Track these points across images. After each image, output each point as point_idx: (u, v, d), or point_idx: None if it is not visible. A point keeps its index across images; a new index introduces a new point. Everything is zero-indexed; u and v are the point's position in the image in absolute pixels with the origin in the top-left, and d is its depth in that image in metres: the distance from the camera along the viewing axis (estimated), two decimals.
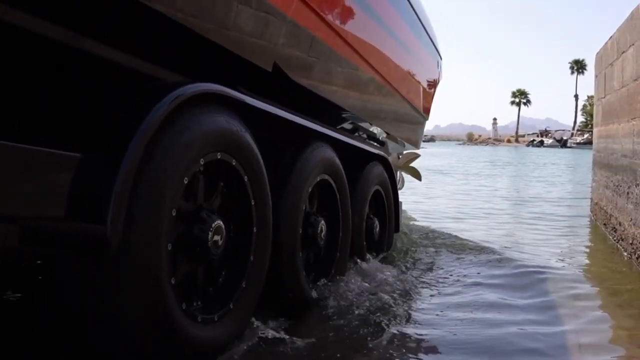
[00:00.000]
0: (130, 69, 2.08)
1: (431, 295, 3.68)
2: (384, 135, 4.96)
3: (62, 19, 1.71)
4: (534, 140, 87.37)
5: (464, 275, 4.21)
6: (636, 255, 4.52)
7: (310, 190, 2.99)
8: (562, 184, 15.55)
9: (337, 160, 3.35)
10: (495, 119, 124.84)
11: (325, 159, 3.16)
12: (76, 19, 1.76)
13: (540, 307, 3.52)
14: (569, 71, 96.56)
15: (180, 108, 1.90)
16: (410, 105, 5.24)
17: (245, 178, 2.31)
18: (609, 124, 6.26)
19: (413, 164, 6.62)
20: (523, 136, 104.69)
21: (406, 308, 3.28)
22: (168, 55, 2.28)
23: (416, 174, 6.78)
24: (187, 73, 2.30)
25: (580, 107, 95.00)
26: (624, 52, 5.32)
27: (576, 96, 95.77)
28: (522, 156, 40.04)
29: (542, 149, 66.18)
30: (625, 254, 4.95)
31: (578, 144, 69.22)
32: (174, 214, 1.90)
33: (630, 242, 4.76)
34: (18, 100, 1.92)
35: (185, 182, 1.96)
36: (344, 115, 4.01)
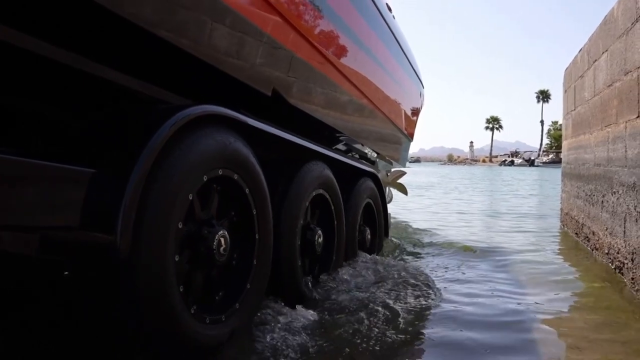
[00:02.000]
0: (141, 92, 2.06)
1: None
2: (374, 155, 4.94)
3: (84, 49, 1.73)
4: (505, 160, 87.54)
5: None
6: (613, 266, 3.80)
7: (307, 204, 2.93)
8: (534, 195, 14.84)
9: (332, 177, 3.28)
10: (472, 142, 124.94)
11: (321, 175, 3.10)
12: (96, 49, 1.78)
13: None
14: (535, 100, 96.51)
15: (185, 128, 1.83)
16: (397, 129, 5.22)
17: (247, 190, 2.25)
18: (579, 135, 5.56)
19: (400, 181, 6.47)
20: (496, 157, 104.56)
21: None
22: (177, 80, 2.24)
23: (403, 189, 6.56)
24: (194, 96, 2.22)
25: (545, 131, 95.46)
26: (595, 60, 4.64)
27: (542, 122, 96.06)
28: (495, 174, 39.66)
29: (513, 168, 66.30)
30: (603, 261, 4.23)
31: (544, 162, 70.74)
32: (180, 226, 1.85)
33: (606, 251, 4.04)
34: (40, 121, 1.92)
35: (190, 198, 1.90)
36: (339, 137, 3.96)
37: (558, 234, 6.49)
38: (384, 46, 4.36)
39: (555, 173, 34.28)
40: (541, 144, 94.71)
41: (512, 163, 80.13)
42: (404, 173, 6.55)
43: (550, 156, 76.67)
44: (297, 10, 2.68)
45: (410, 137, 6.00)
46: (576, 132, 5.79)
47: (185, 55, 1.93)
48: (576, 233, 5.56)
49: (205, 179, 1.96)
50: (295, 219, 2.75)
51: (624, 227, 3.55)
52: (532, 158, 78.93)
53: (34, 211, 1.45)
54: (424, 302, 3.08)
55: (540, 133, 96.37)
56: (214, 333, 1.99)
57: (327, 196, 3.21)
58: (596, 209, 4.53)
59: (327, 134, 3.66)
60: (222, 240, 2.02)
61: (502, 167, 69.64)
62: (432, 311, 2.98)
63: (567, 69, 6.63)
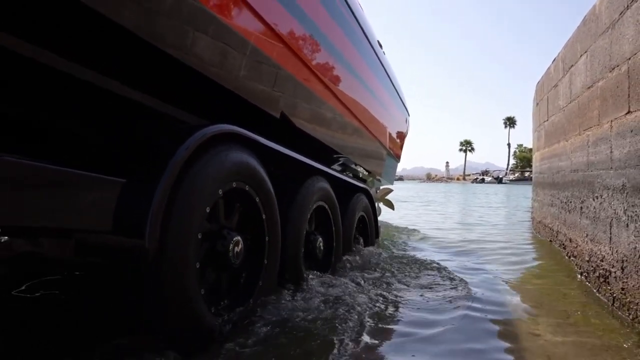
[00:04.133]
0: (166, 114, 2.00)
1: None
2: (366, 173, 4.81)
3: (122, 78, 1.72)
4: (477, 178, 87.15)
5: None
6: (596, 274, 3.11)
7: (310, 214, 2.84)
8: (504, 207, 14.16)
9: (332, 191, 3.24)
10: (447, 162, 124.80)
11: (322, 189, 3.05)
12: (130, 78, 1.76)
13: None
14: (503, 125, 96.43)
15: (202, 146, 1.80)
16: (387, 151, 5.22)
17: (257, 199, 2.20)
18: (553, 144, 4.91)
19: (388, 197, 6.40)
20: (469, 175, 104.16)
21: None
22: (197, 102, 2.17)
23: (390, 205, 6.45)
24: (211, 117, 2.15)
25: (512, 153, 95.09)
26: (572, 65, 4.00)
27: (509, 144, 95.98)
28: (468, 189, 39.14)
29: (483, 185, 66.06)
30: (579, 271, 3.55)
31: (511, 180, 71.07)
32: (199, 237, 1.78)
33: (587, 259, 3.35)
34: (79, 138, 1.88)
35: (207, 210, 1.84)
36: (337, 157, 3.82)
37: (532, 241, 5.80)
38: (377, 78, 4.37)
39: (520, 189, 34.40)
40: (508, 164, 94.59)
41: (482, 180, 79.83)
42: (391, 190, 6.43)
43: (516, 174, 77.23)
44: (305, 45, 2.73)
45: (397, 158, 5.95)
46: (549, 141, 5.14)
47: (211, 82, 1.95)
48: (550, 240, 4.88)
49: (220, 193, 1.92)
50: (300, 228, 2.70)
51: (610, 234, 2.87)
52: (500, 176, 78.91)
53: (70, 215, 1.42)
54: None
55: (507, 154, 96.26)
56: (229, 328, 1.93)
57: (327, 207, 3.14)
58: (574, 216, 3.86)
59: (328, 154, 3.61)
60: (238, 244, 2.00)
61: (474, 184, 69.16)
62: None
63: (539, 82, 6.00)
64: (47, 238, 1.67)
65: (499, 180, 74.27)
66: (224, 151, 1.95)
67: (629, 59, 2.58)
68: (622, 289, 2.61)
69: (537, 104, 6.11)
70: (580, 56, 3.68)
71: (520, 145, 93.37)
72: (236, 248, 1.97)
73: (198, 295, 1.74)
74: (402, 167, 8.29)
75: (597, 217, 3.14)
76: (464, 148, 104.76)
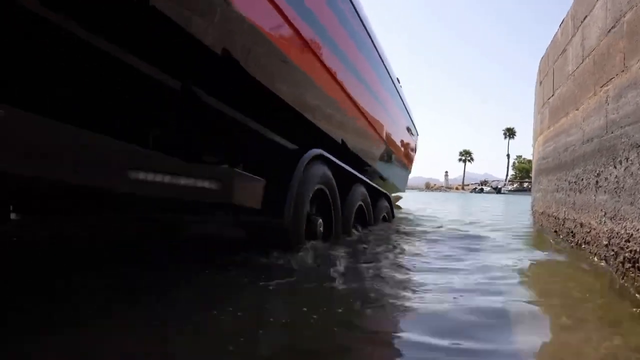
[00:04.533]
0: (284, 146, 3.23)
1: None
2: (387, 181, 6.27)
3: (266, 123, 2.96)
4: (475, 188, 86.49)
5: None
6: (620, 259, 2.43)
7: (358, 204, 4.18)
8: (502, 214, 13.49)
9: (367, 193, 4.55)
10: (446, 172, 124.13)
11: (362, 192, 4.37)
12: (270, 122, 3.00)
13: None
14: (502, 136, 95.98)
15: (309, 162, 3.00)
16: (403, 164, 7.03)
17: (327, 192, 3.36)
18: (560, 119, 4.25)
19: (398, 203, 8.12)
20: (468, 185, 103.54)
21: None
22: (299, 135, 3.31)
23: (398, 207, 7.99)
24: (301, 143, 3.30)
25: (511, 164, 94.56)
26: (585, 17, 3.35)
27: (508, 155, 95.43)
28: (467, 198, 38.52)
29: (482, 194, 65.31)
30: (595, 258, 2.87)
31: (509, 190, 70.66)
32: (305, 213, 2.96)
33: (605, 243, 2.67)
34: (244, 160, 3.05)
35: (310, 195, 3.04)
36: (368, 170, 5.02)
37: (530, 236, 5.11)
38: (398, 110, 5.99)
39: (519, 199, 34.03)
40: (507, 175, 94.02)
41: (481, 190, 79.21)
42: (400, 197, 8.30)
43: (515, 185, 76.75)
44: (360, 95, 4.08)
45: (409, 170, 7.90)
46: (555, 117, 4.48)
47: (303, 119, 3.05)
48: (555, 231, 4.20)
49: (314, 188, 3.13)
50: (352, 206, 4.01)
51: None
52: (499, 187, 78.40)
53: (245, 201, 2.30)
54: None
55: (506, 165, 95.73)
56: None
57: (362, 203, 4.36)
58: (586, 195, 3.18)
59: (367, 170, 4.94)
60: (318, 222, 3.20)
61: (473, 194, 68.56)
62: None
63: (542, 57, 5.36)
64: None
65: (497, 191, 73.73)
66: (316, 165, 3.15)
67: None
68: None
69: (541, 82, 5.45)
70: (597, 1, 3.03)
71: (519, 157, 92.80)
72: (319, 220, 3.22)
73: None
74: None
75: (621, 187, 2.47)
76: (463, 158, 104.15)
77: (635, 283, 2.20)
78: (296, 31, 2.71)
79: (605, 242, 2.69)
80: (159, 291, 2.01)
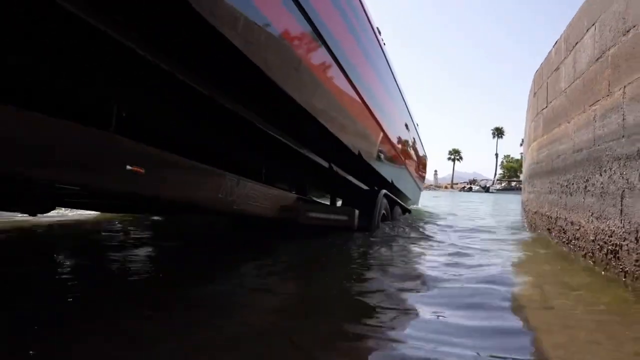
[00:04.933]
0: (358, 187, 5.36)
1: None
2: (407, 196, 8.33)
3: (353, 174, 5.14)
4: (464, 186, 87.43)
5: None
6: (604, 251, 2.96)
7: (383, 208, 5.47)
8: (490, 210, 14.09)
9: (399, 209, 6.78)
10: (436, 171, 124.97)
11: (398, 210, 6.61)
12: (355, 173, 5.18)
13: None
14: (491, 136, 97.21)
15: (382, 196, 5.23)
16: (417, 185, 9.27)
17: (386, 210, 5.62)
18: (553, 129, 4.78)
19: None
20: (457, 184, 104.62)
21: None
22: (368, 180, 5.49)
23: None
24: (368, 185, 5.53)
25: (499, 163, 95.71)
26: (577, 42, 3.87)
27: (496, 155, 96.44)
28: (456, 196, 39.24)
29: (470, 193, 66.07)
30: (582, 253, 3.40)
31: (497, 189, 71.03)
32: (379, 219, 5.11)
33: (592, 239, 3.20)
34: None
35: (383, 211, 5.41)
36: (401, 194, 7.19)
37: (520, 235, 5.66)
38: (415, 138, 7.67)
39: (507, 197, 35.15)
40: (495, 174, 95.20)
41: (470, 189, 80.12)
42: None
43: (503, 184, 77.61)
44: (402, 147, 6.33)
45: (421, 189, 10.10)
46: (548, 127, 5.01)
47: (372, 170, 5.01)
48: (548, 229, 4.73)
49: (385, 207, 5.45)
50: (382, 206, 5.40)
51: (621, 206, 2.72)
52: (488, 185, 79.26)
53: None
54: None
55: (494, 164, 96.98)
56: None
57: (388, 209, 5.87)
58: (576, 197, 3.71)
59: (401, 192, 7.11)
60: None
61: (462, 193, 69.45)
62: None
63: (537, 71, 5.89)
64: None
65: (486, 189, 74.61)
66: (382, 198, 5.29)
67: None
68: (636, 260, 2.45)
69: (535, 93, 5.99)
70: (587, 30, 3.55)
71: (507, 156, 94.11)
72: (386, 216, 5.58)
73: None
74: None
75: (605, 192, 2.99)
76: (452, 157, 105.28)
77: (615, 270, 2.72)
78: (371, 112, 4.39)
79: (592, 238, 3.22)
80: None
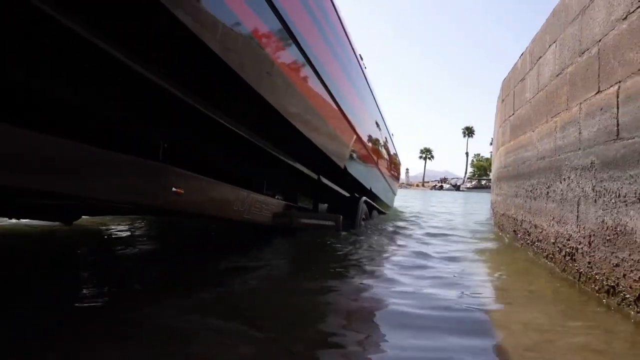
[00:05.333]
0: (341, 194, 5.83)
1: None
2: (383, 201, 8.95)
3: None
4: (435, 185, 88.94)
5: None
6: (563, 253, 3.23)
7: (363, 213, 6.19)
8: (460, 209, 14.55)
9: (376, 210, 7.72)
10: (407, 169, 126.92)
11: (374, 210, 7.44)
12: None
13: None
14: (462, 135, 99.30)
15: (362, 201, 6.08)
16: (392, 190, 10.09)
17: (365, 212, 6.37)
18: (519, 136, 5.08)
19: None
20: (428, 182, 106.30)
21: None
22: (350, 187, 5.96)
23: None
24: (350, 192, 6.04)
25: (469, 162, 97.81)
26: (540, 57, 4.16)
27: (467, 154, 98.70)
28: (427, 195, 40.02)
29: (442, 191, 67.31)
30: (545, 259, 3.67)
31: (468, 188, 72.56)
32: (363, 217, 6.25)
33: (553, 241, 3.48)
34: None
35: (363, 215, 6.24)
36: (377, 199, 7.72)
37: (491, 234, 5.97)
38: (390, 148, 8.68)
39: (476, 196, 36.23)
40: (466, 172, 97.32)
41: (441, 187, 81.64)
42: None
43: (473, 182, 79.42)
44: (382, 160, 7.50)
45: (394, 194, 10.95)
46: (515, 134, 5.32)
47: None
48: (514, 231, 5.03)
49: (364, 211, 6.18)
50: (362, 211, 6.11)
51: (577, 212, 2.99)
52: (458, 184, 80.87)
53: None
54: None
55: (465, 163, 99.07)
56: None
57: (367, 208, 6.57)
58: (539, 202, 4.00)
59: (378, 197, 7.64)
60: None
61: (433, 191, 70.79)
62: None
63: (504, 79, 6.21)
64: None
65: (456, 188, 76.19)
66: (363, 203, 6.06)
67: (599, 40, 2.71)
68: (589, 263, 2.72)
69: (503, 100, 6.31)
70: (549, 46, 3.83)
71: (477, 155, 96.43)
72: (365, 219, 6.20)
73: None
74: None
75: (564, 198, 3.27)
76: (424, 156, 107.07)
77: (572, 270, 2.99)
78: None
79: (552, 241, 3.50)
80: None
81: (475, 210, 13.45)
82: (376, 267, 3.40)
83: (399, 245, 4.69)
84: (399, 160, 10.86)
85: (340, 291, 2.63)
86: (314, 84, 3.43)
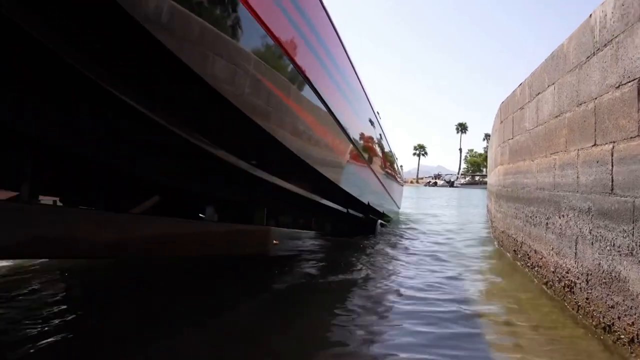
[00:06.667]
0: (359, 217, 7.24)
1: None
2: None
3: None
4: (429, 181, 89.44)
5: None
6: (562, 284, 3.57)
7: (379, 227, 8.42)
8: (455, 205, 14.94)
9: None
10: (401, 166, 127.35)
11: (378, 225, 8.73)
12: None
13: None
14: (455, 131, 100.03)
15: (378, 224, 8.45)
16: (397, 206, 11.75)
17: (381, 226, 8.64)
18: (518, 161, 5.42)
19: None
20: (422, 178, 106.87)
21: None
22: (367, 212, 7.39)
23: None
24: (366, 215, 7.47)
25: (463, 157, 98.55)
26: (539, 93, 4.49)
27: (460, 150, 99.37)
28: (421, 192, 40.46)
29: (435, 188, 67.91)
30: (544, 280, 4.01)
31: (462, 184, 73.15)
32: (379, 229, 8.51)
33: (552, 270, 3.82)
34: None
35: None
36: (385, 215, 9.21)
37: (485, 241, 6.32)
38: (397, 169, 10.75)
39: (471, 192, 36.65)
40: (459, 168, 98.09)
41: (435, 184, 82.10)
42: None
43: (467, 178, 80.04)
44: (388, 183, 8.85)
45: (399, 208, 12.41)
46: (514, 158, 5.65)
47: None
48: (514, 250, 5.38)
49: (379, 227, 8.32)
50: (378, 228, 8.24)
51: (575, 249, 3.32)
52: (452, 180, 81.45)
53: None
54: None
55: (458, 159, 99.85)
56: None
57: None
58: (539, 230, 4.33)
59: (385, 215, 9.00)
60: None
61: (427, 187, 71.37)
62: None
63: (503, 102, 6.54)
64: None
65: (450, 184, 76.73)
66: (378, 224, 8.34)
67: (595, 99, 3.03)
68: (587, 298, 3.05)
69: (502, 121, 6.65)
70: (548, 86, 4.16)
71: (471, 150, 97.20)
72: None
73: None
74: None
75: (563, 233, 3.60)
76: (417, 152, 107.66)
77: (570, 302, 3.33)
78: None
79: (552, 269, 3.83)
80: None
81: (472, 217, 13.81)
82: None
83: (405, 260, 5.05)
84: (403, 179, 13.21)
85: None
86: (361, 159, 5.41)
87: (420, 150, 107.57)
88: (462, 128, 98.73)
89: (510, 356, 2.50)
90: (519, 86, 5.50)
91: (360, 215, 7.07)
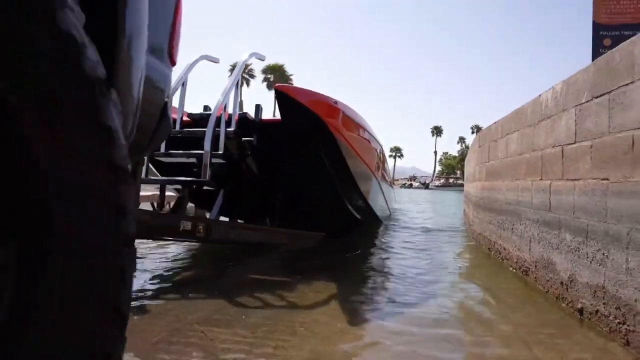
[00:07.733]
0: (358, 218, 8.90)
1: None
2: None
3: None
4: (405, 183, 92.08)
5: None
6: (522, 270, 5.33)
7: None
8: (430, 209, 16.79)
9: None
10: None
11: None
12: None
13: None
14: (430, 134, 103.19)
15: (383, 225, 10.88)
16: (389, 209, 13.29)
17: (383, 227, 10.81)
18: (492, 180, 7.20)
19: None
20: (397, 180, 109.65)
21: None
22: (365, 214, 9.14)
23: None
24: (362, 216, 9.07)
25: (437, 160, 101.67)
26: (508, 134, 6.26)
27: (435, 152, 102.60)
28: (398, 193, 42.49)
29: (411, 189, 70.33)
30: (511, 269, 5.78)
31: (437, 186, 75.88)
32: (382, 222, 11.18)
33: (515, 261, 5.58)
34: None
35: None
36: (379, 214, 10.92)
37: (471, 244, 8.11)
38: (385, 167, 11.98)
39: (445, 195, 38.53)
40: (434, 170, 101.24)
41: (410, 186, 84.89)
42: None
43: (442, 180, 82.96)
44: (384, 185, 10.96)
45: (391, 213, 13.83)
46: (489, 177, 7.45)
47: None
48: (489, 248, 7.16)
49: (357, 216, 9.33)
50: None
51: (529, 246, 5.08)
52: (427, 182, 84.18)
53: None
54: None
55: (433, 161, 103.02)
56: None
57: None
58: (507, 233, 6.10)
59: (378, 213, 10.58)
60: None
61: (403, 189, 73.85)
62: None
63: (481, 131, 8.35)
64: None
65: (425, 186, 79.48)
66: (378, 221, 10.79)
67: (543, 149, 4.79)
68: (535, 277, 4.81)
69: (480, 146, 8.46)
70: (514, 131, 5.93)
71: (446, 153, 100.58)
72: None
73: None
74: None
75: (522, 236, 5.36)
76: (393, 154, 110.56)
77: (528, 279, 5.09)
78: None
79: (515, 260, 5.60)
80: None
81: (450, 219, 15.69)
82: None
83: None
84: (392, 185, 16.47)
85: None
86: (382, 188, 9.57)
87: (397, 153, 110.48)
88: (437, 131, 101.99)
89: (487, 296, 4.21)
90: (494, 123, 7.29)
91: (359, 217, 8.95)
